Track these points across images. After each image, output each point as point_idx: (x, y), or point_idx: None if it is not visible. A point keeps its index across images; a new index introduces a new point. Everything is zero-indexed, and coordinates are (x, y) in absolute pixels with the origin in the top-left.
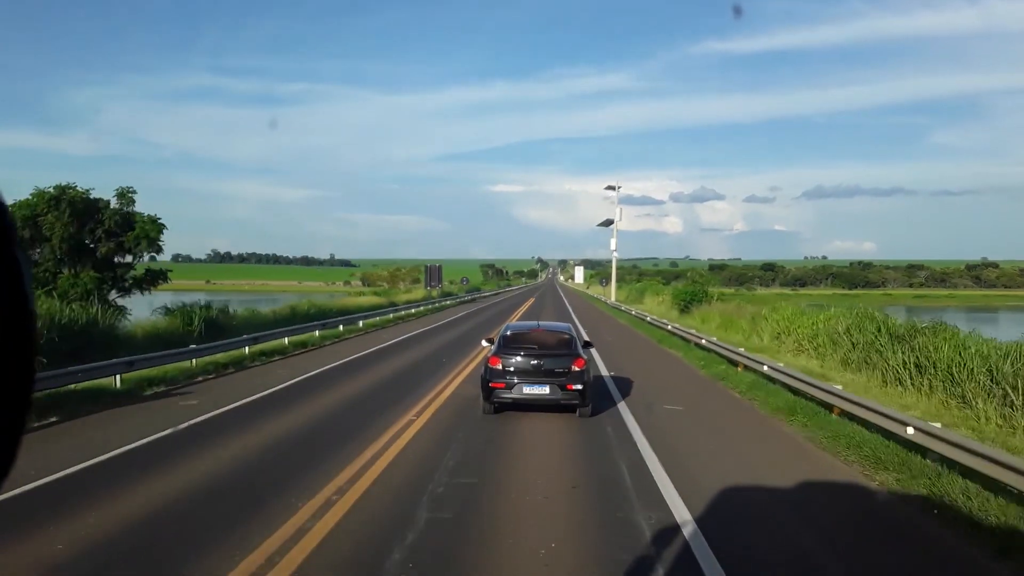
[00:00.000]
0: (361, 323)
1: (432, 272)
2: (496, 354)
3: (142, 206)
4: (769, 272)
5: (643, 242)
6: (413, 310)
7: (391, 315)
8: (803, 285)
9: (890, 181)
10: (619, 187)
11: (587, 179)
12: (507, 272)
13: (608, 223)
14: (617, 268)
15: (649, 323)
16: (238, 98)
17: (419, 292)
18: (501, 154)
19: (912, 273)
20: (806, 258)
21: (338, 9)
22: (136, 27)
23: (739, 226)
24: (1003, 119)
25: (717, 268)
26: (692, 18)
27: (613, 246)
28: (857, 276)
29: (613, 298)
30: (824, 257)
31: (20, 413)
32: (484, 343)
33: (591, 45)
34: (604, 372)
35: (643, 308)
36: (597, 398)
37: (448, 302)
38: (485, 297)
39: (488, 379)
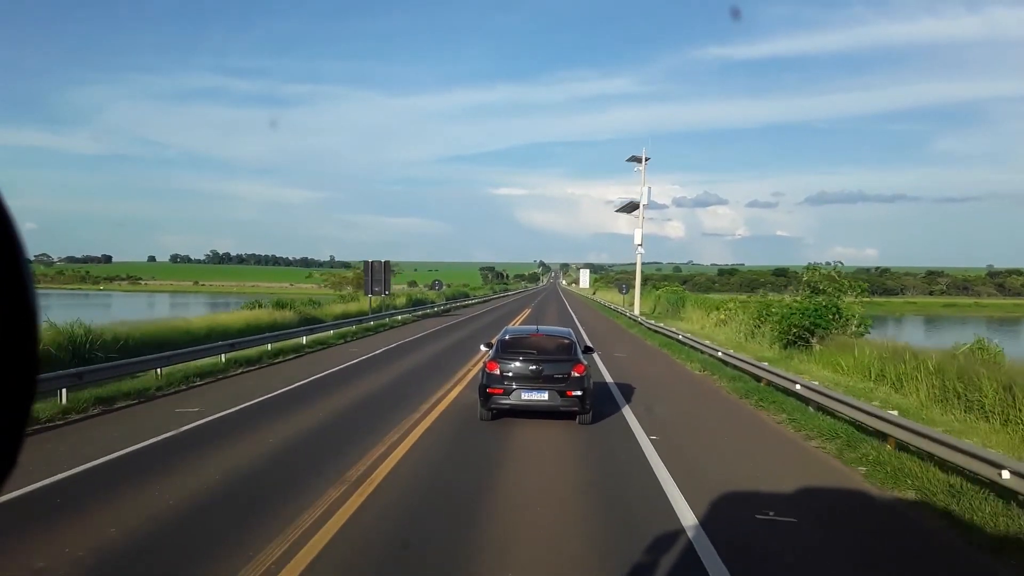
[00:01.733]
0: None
1: (375, 273)
2: (494, 359)
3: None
4: (781, 278)
5: (646, 246)
6: (301, 340)
7: (222, 358)
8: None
9: (893, 187)
10: (647, 159)
11: (589, 183)
12: (507, 275)
13: (631, 208)
14: (619, 273)
15: (782, 386)
16: (242, 98)
17: (367, 302)
18: (503, 157)
19: (932, 280)
20: (810, 264)
21: (342, 11)
22: (140, 27)
23: (741, 231)
24: (1006, 126)
25: (726, 273)
26: (694, 23)
27: (638, 239)
28: (874, 282)
29: (637, 310)
30: (827, 263)
31: (22, 412)
32: (483, 347)
33: (593, 49)
34: None
35: (690, 329)
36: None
37: (404, 316)
38: (469, 306)
39: (486, 384)
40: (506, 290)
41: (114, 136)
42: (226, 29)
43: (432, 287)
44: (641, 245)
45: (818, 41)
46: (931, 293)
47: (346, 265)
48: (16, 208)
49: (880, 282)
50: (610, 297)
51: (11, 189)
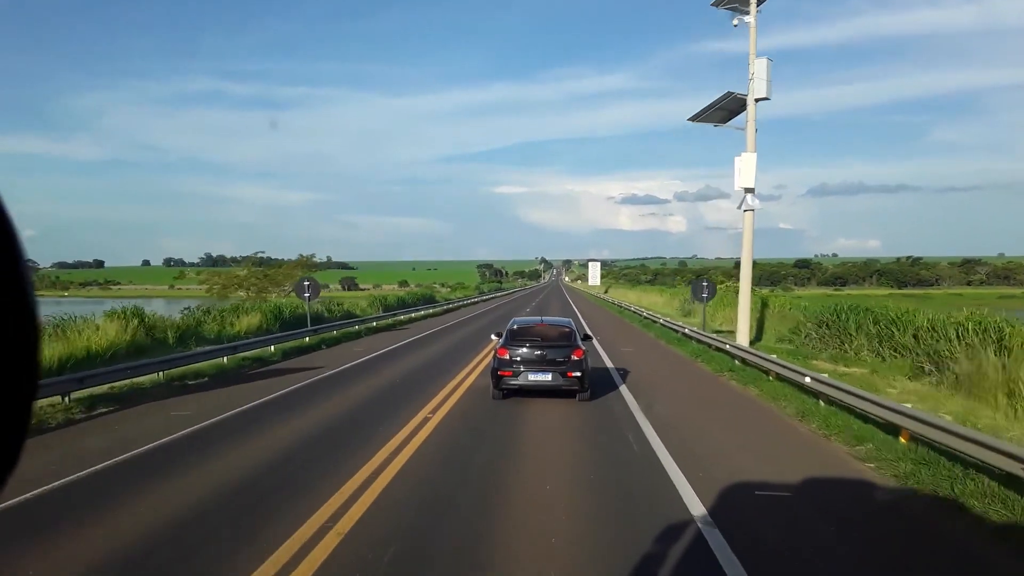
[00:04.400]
0: None
1: None
2: (504, 345)
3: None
4: (804, 269)
5: (648, 241)
6: None
7: None
8: (844, 284)
9: (895, 178)
10: (757, 9)
11: (589, 180)
12: (506, 273)
13: (727, 112)
14: (626, 270)
15: None
16: (241, 102)
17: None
18: (503, 155)
19: (969, 269)
20: (816, 256)
21: (339, 13)
22: (139, 32)
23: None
24: (1004, 115)
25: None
26: (691, 18)
27: (745, 179)
28: (907, 273)
29: (744, 336)
30: (835, 255)
31: (23, 416)
32: (493, 337)
33: (591, 46)
34: None
35: None
36: None
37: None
38: (406, 325)
39: (497, 368)
40: (499, 289)
41: (114, 141)
42: (224, 33)
43: (300, 291)
44: (753, 192)
45: (817, 33)
46: (969, 283)
47: (344, 265)
48: (15, 214)
49: (913, 272)
50: (634, 299)
51: (10, 195)
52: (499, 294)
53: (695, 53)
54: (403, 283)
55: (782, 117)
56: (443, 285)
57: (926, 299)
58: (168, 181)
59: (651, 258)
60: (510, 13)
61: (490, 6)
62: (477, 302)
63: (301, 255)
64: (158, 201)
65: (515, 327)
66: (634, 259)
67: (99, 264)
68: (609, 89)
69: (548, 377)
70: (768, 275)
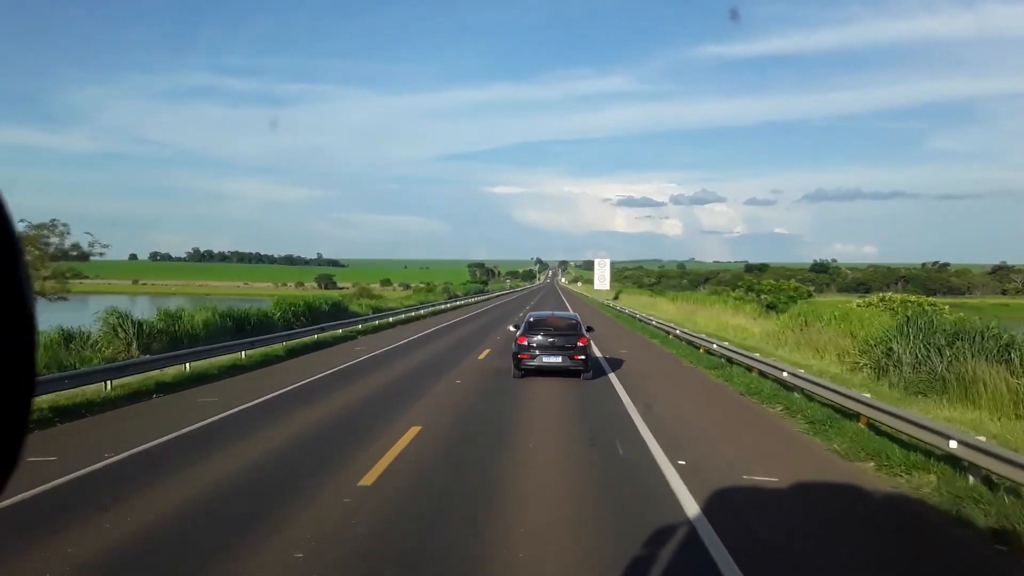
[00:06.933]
0: None
1: None
2: (523, 334)
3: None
4: (823, 274)
5: (644, 244)
6: None
7: None
8: (868, 290)
9: (891, 185)
10: None
11: (586, 181)
12: (499, 272)
13: None
14: (627, 272)
15: None
16: (238, 97)
17: None
18: (501, 155)
19: (1003, 277)
20: (815, 261)
21: (338, 9)
22: (136, 25)
23: (739, 229)
24: (1001, 124)
25: (755, 269)
26: (691, 21)
27: None
28: (935, 280)
29: None
30: (834, 260)
31: (22, 415)
32: (511, 328)
33: (590, 47)
34: None
35: None
36: None
37: None
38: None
39: (517, 352)
40: (481, 292)
41: (112, 135)
42: (222, 28)
43: None
44: None
45: (815, 39)
46: (1004, 292)
47: (334, 263)
48: (11, 207)
49: (941, 279)
50: (676, 315)
51: (10, 188)
52: (476, 299)
53: (693, 56)
54: (385, 282)
55: (779, 121)
56: (429, 284)
57: (966, 309)
58: (165, 175)
59: (648, 260)
60: (511, 13)
61: (491, 5)
62: (425, 316)
63: (33, 223)
64: (153, 195)
65: (532, 319)
66: (631, 261)
67: (83, 257)
68: (608, 91)
69: (559, 359)
70: (787, 279)
